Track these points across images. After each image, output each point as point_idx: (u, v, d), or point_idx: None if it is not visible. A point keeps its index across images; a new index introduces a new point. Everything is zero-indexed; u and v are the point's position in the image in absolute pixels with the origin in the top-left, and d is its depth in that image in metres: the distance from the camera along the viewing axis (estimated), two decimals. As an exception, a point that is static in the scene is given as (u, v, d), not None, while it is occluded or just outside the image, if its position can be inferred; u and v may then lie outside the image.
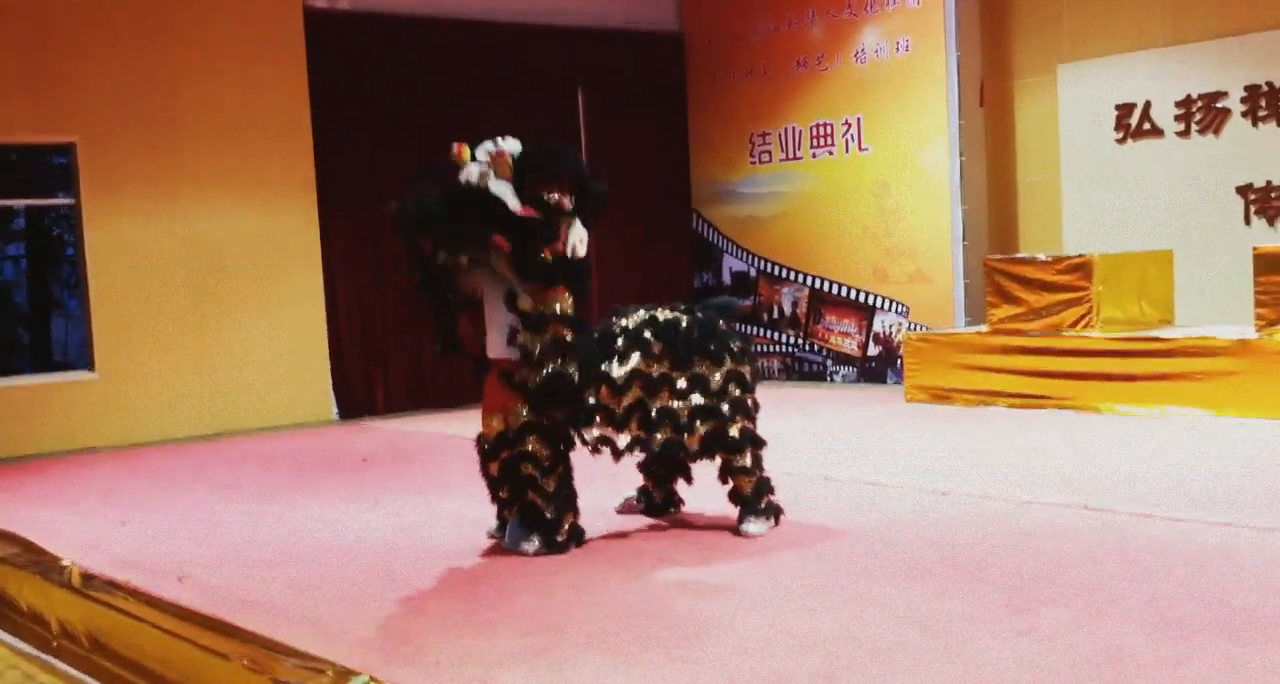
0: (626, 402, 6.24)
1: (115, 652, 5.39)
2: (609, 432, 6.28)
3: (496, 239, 6.04)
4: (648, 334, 6.31)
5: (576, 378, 6.07)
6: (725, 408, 6.39)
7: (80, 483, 9.36)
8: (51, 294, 17.51)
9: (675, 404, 6.28)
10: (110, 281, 11.48)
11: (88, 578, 5.97)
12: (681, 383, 6.30)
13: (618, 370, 6.22)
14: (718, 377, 6.39)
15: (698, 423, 6.33)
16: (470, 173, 6.13)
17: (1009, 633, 4.59)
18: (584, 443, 6.29)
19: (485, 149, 6.20)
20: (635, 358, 6.25)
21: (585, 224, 6.34)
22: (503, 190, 6.07)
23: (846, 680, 4.17)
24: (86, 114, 11.37)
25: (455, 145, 6.24)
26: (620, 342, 6.28)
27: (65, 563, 6.27)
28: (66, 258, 16.90)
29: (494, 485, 6.33)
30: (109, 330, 11.48)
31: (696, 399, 6.32)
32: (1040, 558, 5.70)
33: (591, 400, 6.17)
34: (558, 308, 6.08)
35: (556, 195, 6.13)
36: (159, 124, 11.73)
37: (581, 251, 6.23)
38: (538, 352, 6.03)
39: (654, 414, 6.27)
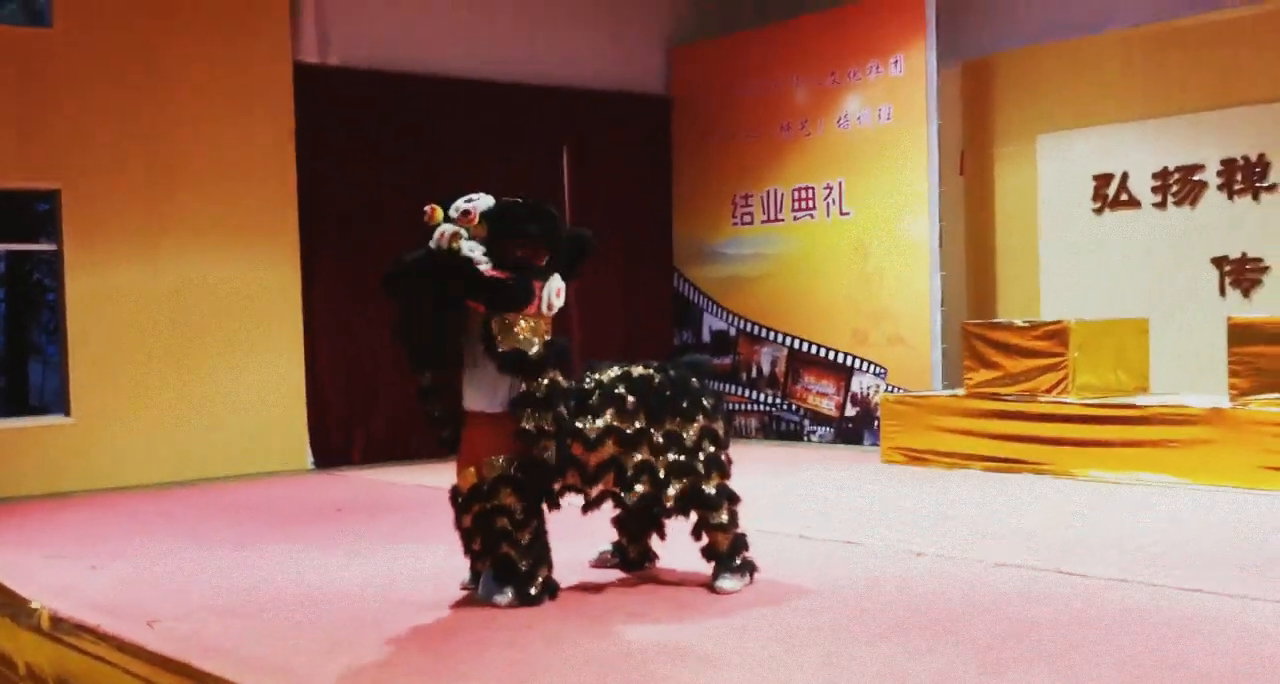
0: (599, 457, 6.26)
1: (82, 696, 5.35)
2: (577, 484, 6.29)
3: (469, 303, 6.10)
4: (621, 389, 6.34)
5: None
6: (700, 464, 6.41)
7: (53, 527, 9.30)
8: (29, 339, 17.46)
9: (653, 459, 6.31)
10: (89, 327, 11.47)
11: (57, 621, 5.93)
12: (658, 438, 6.33)
13: (591, 425, 6.24)
14: (691, 433, 6.41)
15: (673, 479, 6.35)
16: (443, 234, 6.14)
17: (980, 693, 4.60)
18: (549, 498, 6.28)
19: (457, 208, 6.22)
20: (609, 414, 6.27)
21: (567, 275, 6.37)
22: (473, 251, 6.11)
23: (817, 737, 4.17)
24: (71, 161, 11.42)
25: (428, 207, 6.26)
26: (594, 397, 6.30)
27: (35, 606, 6.23)
28: (46, 303, 16.87)
29: (467, 538, 6.33)
30: (86, 375, 11.46)
31: (672, 455, 6.35)
32: (1013, 620, 5.71)
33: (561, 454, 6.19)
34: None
35: (527, 253, 6.17)
36: (144, 172, 11.79)
37: (558, 304, 6.26)
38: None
39: (630, 470, 6.29)
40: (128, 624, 5.91)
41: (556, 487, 6.26)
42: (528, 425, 6.05)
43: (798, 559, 7.18)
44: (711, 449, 6.48)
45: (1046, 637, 5.38)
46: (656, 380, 6.43)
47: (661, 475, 6.33)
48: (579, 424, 6.21)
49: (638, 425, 6.30)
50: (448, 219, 6.22)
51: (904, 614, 5.87)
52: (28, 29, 11.62)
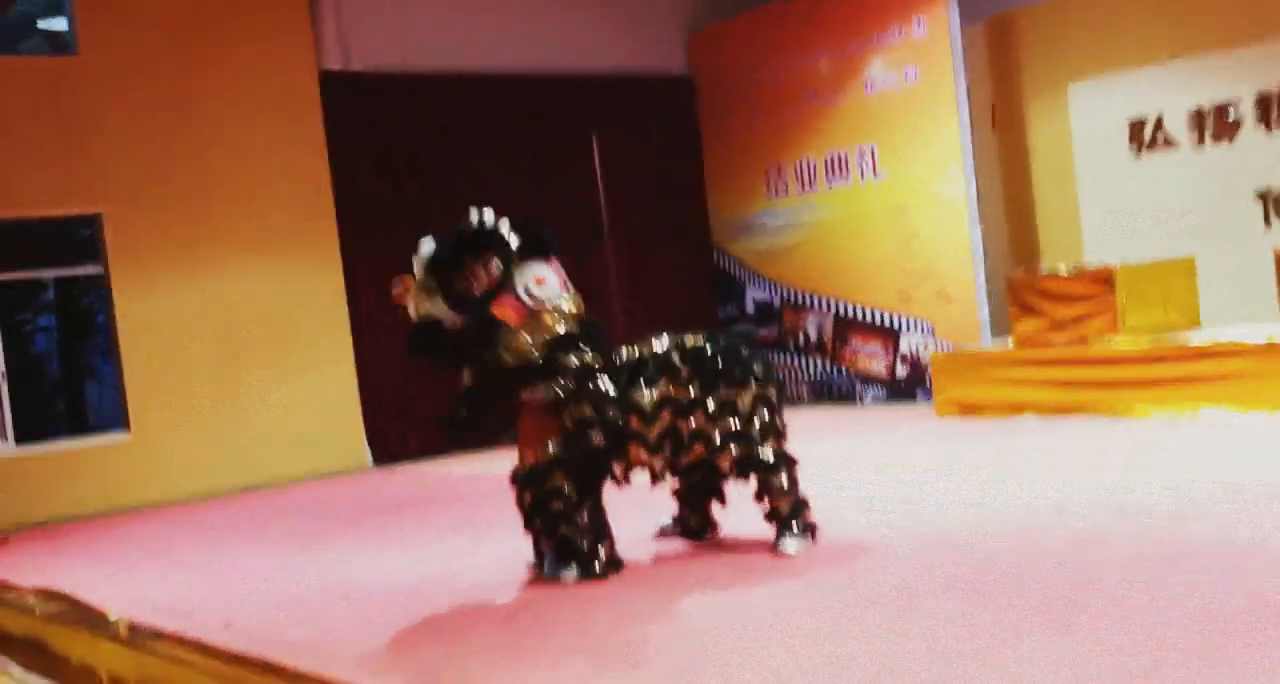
0: (659, 428, 6.32)
1: (166, 698, 5.46)
2: (644, 457, 6.34)
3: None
4: (675, 359, 6.39)
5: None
6: (755, 430, 6.45)
7: (120, 541, 9.47)
8: (83, 361, 17.74)
9: (707, 427, 6.35)
10: (141, 345, 11.63)
11: (135, 629, 6.05)
12: (711, 406, 6.37)
13: (647, 397, 6.29)
14: (745, 399, 6.45)
15: (730, 445, 6.39)
16: (416, 305, 6.28)
17: (1049, 636, 4.60)
18: (613, 477, 6.36)
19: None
20: (663, 383, 6.32)
21: (544, 254, 6.35)
22: (437, 310, 6.20)
23: (889, 688, 4.20)
24: (111, 185, 11.57)
25: (398, 283, 6.39)
26: (649, 368, 6.35)
27: (111, 616, 6.35)
28: (96, 325, 17.13)
29: (528, 516, 6.40)
30: (143, 392, 11.62)
31: (726, 422, 6.39)
32: (1078, 563, 5.70)
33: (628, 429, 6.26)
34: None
35: (467, 285, 6.17)
36: (183, 192, 11.92)
37: (544, 293, 6.22)
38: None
39: (685, 437, 6.34)
40: (204, 627, 6.03)
41: (621, 465, 6.32)
42: (568, 422, 6.13)
43: (859, 518, 7.19)
44: (766, 415, 6.51)
45: (1112, 578, 5.36)
46: (708, 350, 6.47)
47: (717, 442, 6.37)
48: (635, 397, 6.26)
49: (692, 394, 6.35)
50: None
51: (968, 565, 5.87)
52: (55, 58, 11.81)
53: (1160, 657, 4.22)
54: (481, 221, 6.27)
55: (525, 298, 6.16)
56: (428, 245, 6.23)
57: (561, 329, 6.22)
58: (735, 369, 6.47)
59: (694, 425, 6.36)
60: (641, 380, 6.31)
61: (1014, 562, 5.86)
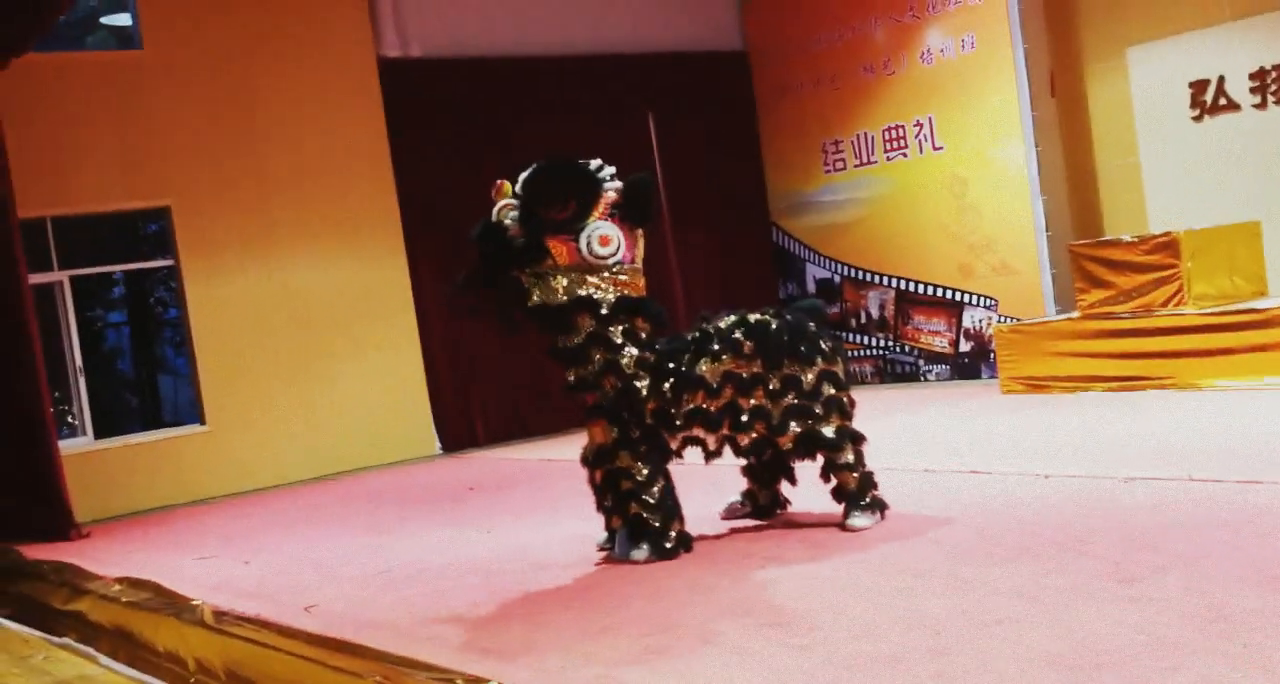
0: (720, 403, 6.38)
1: (251, 681, 5.59)
2: (700, 433, 6.42)
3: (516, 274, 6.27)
4: (738, 335, 6.44)
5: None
6: (818, 407, 6.49)
7: (200, 530, 9.67)
8: (155, 355, 18.04)
9: (767, 404, 6.40)
10: (214, 337, 11.85)
11: (219, 615, 6.20)
12: (774, 383, 6.41)
13: (711, 371, 6.35)
14: (810, 376, 6.49)
15: (791, 423, 6.44)
16: (500, 209, 6.39)
17: (1116, 601, 4.63)
18: (669, 450, 6.43)
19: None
20: (726, 359, 6.38)
21: (636, 219, 6.42)
22: (509, 219, 6.32)
23: (958, 655, 4.24)
24: (178, 178, 11.78)
25: (496, 183, 6.49)
26: (714, 343, 6.41)
27: (196, 602, 6.51)
28: (166, 320, 17.41)
29: (599, 495, 6.48)
30: (216, 384, 11.84)
31: (789, 399, 6.43)
32: (1145, 530, 5.71)
33: (689, 405, 6.32)
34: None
35: (550, 211, 6.25)
36: (248, 182, 12.12)
37: (605, 251, 6.27)
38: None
39: (745, 415, 6.40)
40: (285, 611, 6.19)
41: (679, 438, 6.39)
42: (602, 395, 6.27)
43: (925, 493, 7.22)
44: (831, 391, 6.55)
45: (1178, 545, 5.37)
46: (773, 326, 6.51)
47: (778, 419, 6.42)
48: (700, 370, 6.32)
49: (755, 370, 6.40)
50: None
51: (1034, 535, 5.89)
52: (120, 53, 12.02)
53: (1227, 623, 4.24)
54: (591, 163, 6.39)
55: (584, 250, 6.22)
56: (538, 168, 6.38)
57: (599, 293, 6.27)
58: (800, 345, 6.51)
59: (754, 402, 6.42)
60: (704, 356, 6.37)
61: (1079, 530, 5.87)
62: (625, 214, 6.37)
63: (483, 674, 4.57)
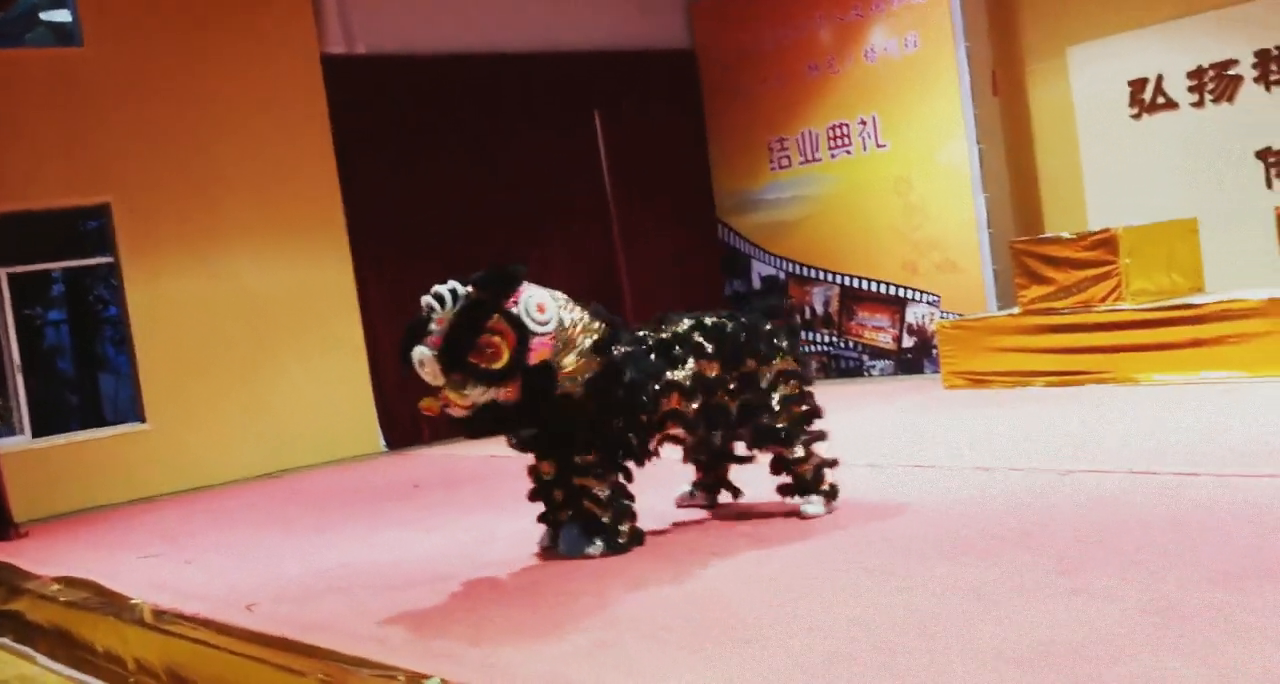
0: (696, 404, 6.45)
1: (192, 681, 5.54)
2: (681, 433, 6.50)
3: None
4: (698, 337, 6.50)
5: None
6: (775, 403, 6.58)
7: (141, 529, 9.57)
8: (95, 354, 17.81)
9: (726, 401, 6.50)
10: (154, 335, 11.72)
11: (159, 613, 6.13)
12: (732, 383, 6.51)
13: (681, 375, 6.40)
14: (768, 374, 6.59)
15: (746, 418, 6.57)
16: (453, 406, 5.99)
17: (1059, 595, 4.67)
18: (645, 453, 6.48)
19: (427, 373, 5.96)
20: (691, 362, 6.44)
21: (515, 286, 6.06)
22: (480, 395, 5.94)
23: (904, 651, 4.26)
24: (119, 174, 11.63)
25: (425, 408, 6.11)
26: (677, 347, 6.46)
27: (135, 601, 6.44)
28: (106, 317, 17.19)
29: (544, 486, 6.47)
30: (157, 382, 11.71)
31: (746, 396, 6.54)
32: (1087, 524, 5.77)
33: (662, 407, 6.38)
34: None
35: (489, 351, 5.89)
36: (190, 180, 11.98)
37: (548, 316, 6.02)
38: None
39: (710, 413, 6.50)
40: (227, 610, 6.13)
41: (656, 438, 6.47)
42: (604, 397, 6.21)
43: (870, 487, 7.26)
44: (787, 388, 6.63)
45: (1120, 538, 5.43)
46: (729, 327, 6.59)
47: (735, 415, 6.54)
48: (673, 375, 6.37)
49: (716, 372, 6.48)
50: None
51: (977, 530, 5.94)
52: (60, 50, 11.85)
53: (1169, 615, 4.29)
54: (455, 294, 5.90)
55: (541, 330, 5.99)
56: (421, 350, 5.89)
57: (591, 337, 6.21)
58: (758, 345, 6.61)
59: (718, 400, 6.50)
60: (674, 359, 6.42)
61: (1021, 523, 5.93)
62: (505, 293, 6.02)
63: (427, 671, 4.54)
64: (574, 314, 6.20)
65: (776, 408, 6.60)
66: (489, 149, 13.45)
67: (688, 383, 6.40)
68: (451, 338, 5.82)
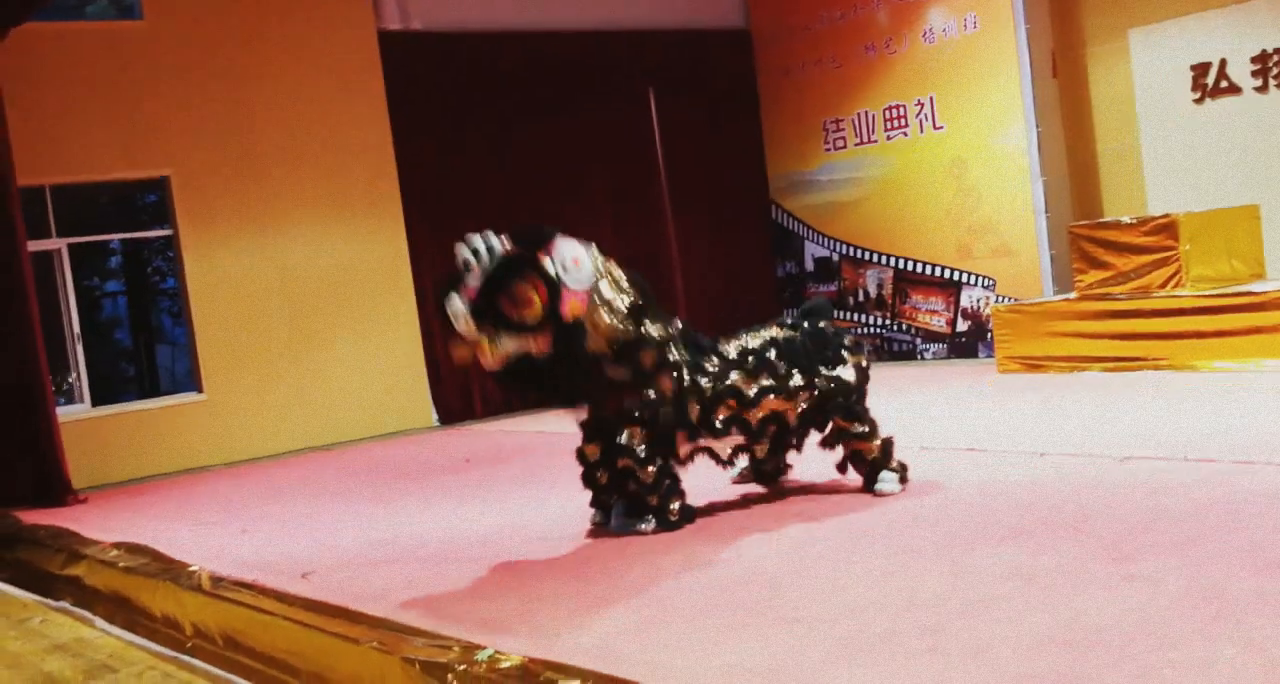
0: (760, 414, 6.60)
1: (249, 647, 5.62)
2: (742, 441, 6.64)
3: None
4: (772, 355, 6.66)
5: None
6: (856, 405, 6.82)
7: (198, 498, 9.69)
8: (152, 325, 18.04)
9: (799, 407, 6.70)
10: (212, 307, 11.85)
11: (216, 580, 6.23)
12: (812, 389, 6.70)
13: (752, 387, 6.54)
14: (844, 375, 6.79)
15: (828, 420, 6.79)
16: (484, 354, 5.96)
17: (1111, 581, 4.66)
18: (719, 461, 6.70)
19: (457, 316, 5.92)
20: (764, 377, 6.60)
21: (543, 245, 6.07)
22: (513, 346, 5.94)
23: (951, 633, 4.27)
24: (177, 148, 11.75)
25: (456, 357, 6.16)
26: (751, 360, 6.61)
27: (193, 568, 6.54)
28: (164, 289, 17.41)
29: (590, 470, 6.53)
30: (214, 353, 11.85)
31: (816, 391, 6.72)
32: (1141, 510, 5.74)
33: (723, 415, 6.51)
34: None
35: (524, 302, 5.92)
36: (248, 154, 12.09)
37: (583, 271, 6.04)
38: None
39: (778, 420, 6.69)
40: (282, 578, 6.21)
41: (729, 450, 6.65)
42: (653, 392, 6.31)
43: (921, 470, 7.22)
44: (852, 379, 6.81)
45: (1175, 525, 5.40)
46: (798, 340, 6.75)
47: (794, 431, 6.77)
48: (741, 387, 6.52)
49: (794, 382, 6.63)
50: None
51: (1029, 514, 5.92)
52: (120, 23, 11.96)
53: (1222, 603, 4.26)
54: (491, 249, 5.96)
55: (575, 284, 6.00)
56: (457, 302, 5.89)
57: (625, 298, 6.21)
58: (827, 352, 6.76)
59: (781, 407, 6.65)
60: (741, 371, 6.56)
61: (1075, 509, 5.90)
62: (536, 248, 6.07)
63: (480, 642, 4.59)
64: (614, 272, 6.24)
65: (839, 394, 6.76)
66: (544, 126, 13.48)
67: (753, 396, 6.53)
68: (486, 290, 5.90)
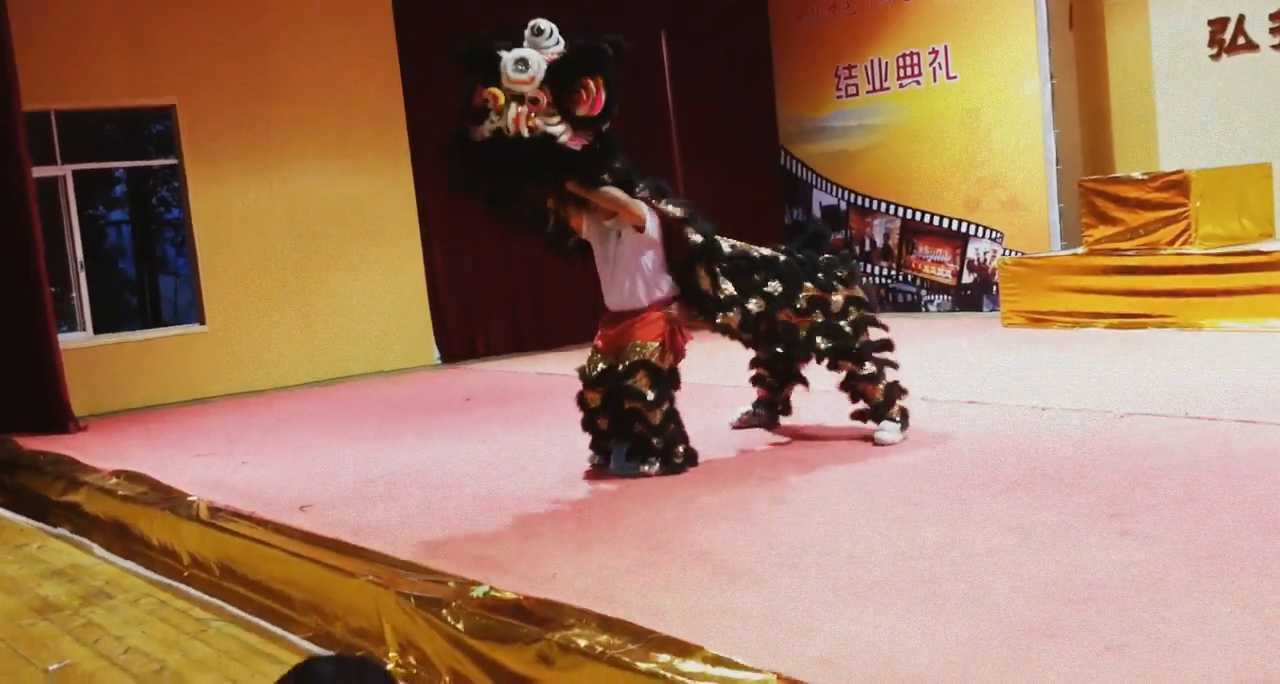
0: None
1: (245, 577, 5.64)
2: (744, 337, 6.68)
3: (569, 187, 6.16)
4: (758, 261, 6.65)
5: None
6: (846, 325, 6.70)
7: (199, 429, 9.70)
8: (156, 255, 17.99)
9: (798, 321, 6.63)
10: (216, 239, 11.79)
11: (215, 511, 6.24)
12: (800, 303, 6.59)
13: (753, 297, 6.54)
14: (836, 301, 6.69)
15: (818, 339, 6.65)
16: (518, 117, 5.89)
17: (1109, 536, 4.66)
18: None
19: (511, 80, 5.87)
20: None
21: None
22: (550, 126, 5.92)
23: (948, 582, 4.27)
24: (183, 77, 11.64)
25: (488, 95, 5.96)
26: (752, 266, 6.60)
27: (192, 498, 6.55)
28: (168, 220, 17.34)
29: (591, 415, 6.52)
30: (217, 284, 11.81)
31: (817, 318, 6.64)
32: (1141, 467, 5.73)
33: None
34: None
35: (583, 94, 5.94)
36: (256, 86, 11.97)
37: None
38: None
39: (779, 329, 6.63)
40: (281, 511, 6.23)
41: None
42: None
43: (922, 421, 7.20)
44: (857, 313, 6.74)
45: (1173, 482, 5.39)
46: (781, 260, 6.68)
47: (803, 334, 6.64)
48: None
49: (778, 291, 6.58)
50: (510, 96, 5.92)
51: (1029, 468, 5.92)
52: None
53: (1218, 561, 4.26)
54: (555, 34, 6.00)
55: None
56: (534, 52, 5.88)
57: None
58: (816, 274, 6.70)
59: (784, 318, 6.60)
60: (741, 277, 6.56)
61: (1075, 464, 5.90)
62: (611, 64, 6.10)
63: (475, 578, 4.60)
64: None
65: (849, 330, 6.70)
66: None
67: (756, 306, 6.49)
68: (562, 62, 5.92)
